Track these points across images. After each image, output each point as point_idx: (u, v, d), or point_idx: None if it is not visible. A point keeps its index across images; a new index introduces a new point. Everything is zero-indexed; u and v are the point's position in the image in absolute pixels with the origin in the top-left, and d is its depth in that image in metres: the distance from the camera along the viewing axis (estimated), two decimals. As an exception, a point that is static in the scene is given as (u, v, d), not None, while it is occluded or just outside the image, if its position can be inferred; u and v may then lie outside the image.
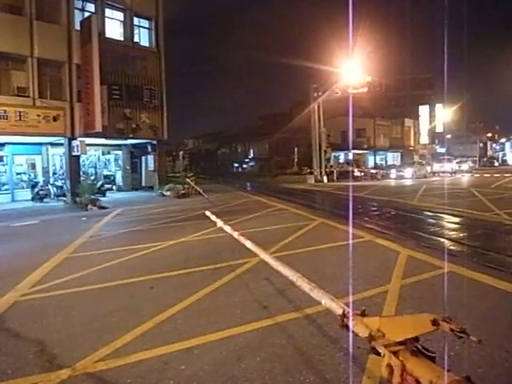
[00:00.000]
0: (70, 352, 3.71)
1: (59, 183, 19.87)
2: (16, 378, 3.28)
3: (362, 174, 35.97)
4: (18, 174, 20.02)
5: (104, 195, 19.88)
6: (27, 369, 3.43)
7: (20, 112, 16.68)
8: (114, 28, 20.97)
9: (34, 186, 19.26)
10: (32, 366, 3.47)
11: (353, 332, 2.05)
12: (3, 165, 19.42)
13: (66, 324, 4.44)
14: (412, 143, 53.50)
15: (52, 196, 19.36)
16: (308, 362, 3.41)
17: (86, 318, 4.58)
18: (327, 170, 33.21)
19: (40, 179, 20.23)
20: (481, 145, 66.62)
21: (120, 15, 21.20)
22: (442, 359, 2.02)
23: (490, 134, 75.16)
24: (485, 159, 59.90)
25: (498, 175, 31.51)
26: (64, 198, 18.99)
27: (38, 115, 17.26)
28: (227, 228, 4.99)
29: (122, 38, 21.22)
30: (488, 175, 33.11)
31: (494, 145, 77.93)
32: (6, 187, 19.51)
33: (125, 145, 23.96)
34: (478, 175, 34.04)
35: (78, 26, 18.82)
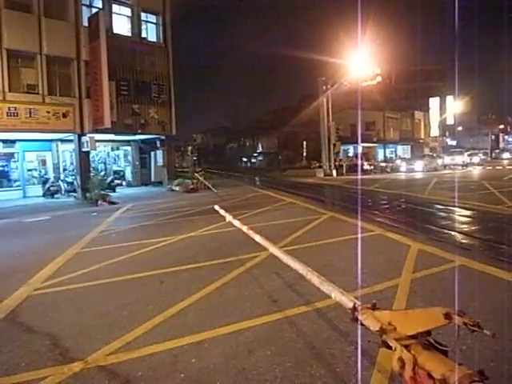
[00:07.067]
0: (82, 345, 3.76)
1: (69, 179, 20.08)
2: (29, 371, 3.33)
3: (372, 167, 35.72)
4: (29, 170, 20.27)
5: (114, 191, 20.03)
6: (40, 362, 3.48)
7: (30, 109, 16.82)
8: (121, 24, 20.99)
9: (44, 182, 19.50)
10: (45, 359, 3.52)
11: (363, 325, 2.03)
12: (14, 161, 19.68)
13: (77, 318, 4.49)
14: (422, 136, 52.95)
15: (63, 192, 19.57)
16: (318, 355, 3.41)
17: (97, 312, 4.63)
18: (336, 163, 32.99)
19: (51, 175, 20.46)
20: (493, 137, 65.58)
21: (127, 11, 21.20)
22: (454, 353, 2.00)
23: (502, 126, 73.89)
24: (497, 151, 58.86)
25: (511, 167, 31.05)
26: (74, 194, 19.19)
27: (48, 112, 17.40)
28: (236, 222, 4.98)
29: (129, 34, 21.23)
30: (500, 167, 32.64)
31: (506, 137, 76.60)
32: (17, 183, 19.77)
33: (134, 140, 24.07)
34: (489, 168, 33.56)
35: (85, 23, 18.89)
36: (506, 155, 53.26)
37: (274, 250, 3.62)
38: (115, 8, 20.63)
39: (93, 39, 18.42)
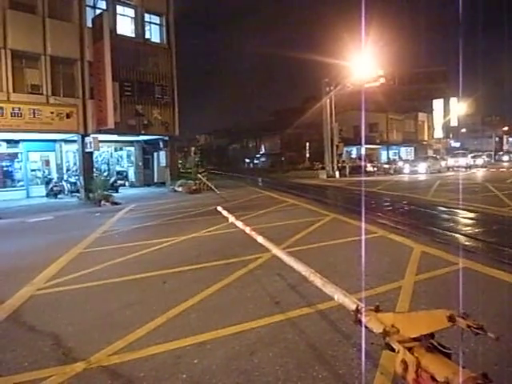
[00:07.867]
0: (85, 345, 3.76)
1: (73, 179, 20.14)
2: (32, 371, 3.34)
3: (375, 168, 35.64)
4: (32, 170, 20.34)
5: (117, 191, 20.08)
6: (43, 362, 3.49)
7: (34, 109, 16.90)
8: (125, 25, 21.07)
9: (48, 183, 19.58)
10: (48, 359, 3.53)
11: (366, 328, 2.03)
12: (18, 162, 19.76)
13: (80, 318, 4.50)
14: (426, 137, 52.81)
15: (66, 192, 19.64)
16: (321, 357, 3.40)
17: (100, 312, 4.63)
18: (339, 165, 32.95)
19: (54, 176, 20.54)
20: (497, 139, 65.24)
21: (131, 12, 21.28)
22: (457, 356, 1.99)
23: (506, 128, 73.49)
24: (501, 153, 58.48)
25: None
26: (78, 194, 19.25)
27: (52, 112, 17.47)
28: (239, 223, 4.98)
29: (133, 35, 21.31)
30: (504, 169, 32.50)
31: (510, 139, 76.15)
32: (21, 184, 19.84)
33: (137, 141, 24.13)
34: (493, 170, 33.42)
35: (89, 24, 18.96)
36: (505, 158, 52.97)
37: (276, 251, 3.61)
38: (119, 9, 20.72)
39: (97, 40, 18.50)
